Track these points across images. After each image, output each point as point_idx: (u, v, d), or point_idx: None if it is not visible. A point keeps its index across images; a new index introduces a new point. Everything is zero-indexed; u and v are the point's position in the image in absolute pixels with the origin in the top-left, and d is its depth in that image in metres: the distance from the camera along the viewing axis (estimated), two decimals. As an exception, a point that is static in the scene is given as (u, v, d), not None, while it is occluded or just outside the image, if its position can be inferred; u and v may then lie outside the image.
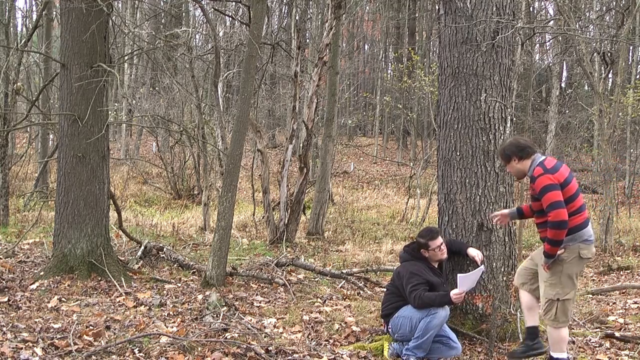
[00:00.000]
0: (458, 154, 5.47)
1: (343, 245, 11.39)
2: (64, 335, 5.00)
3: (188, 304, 6.32)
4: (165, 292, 6.84)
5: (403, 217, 15.66)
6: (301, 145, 12.98)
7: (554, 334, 4.42)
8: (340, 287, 7.71)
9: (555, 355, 4.43)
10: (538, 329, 4.65)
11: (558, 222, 4.14)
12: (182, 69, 16.95)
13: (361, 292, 7.51)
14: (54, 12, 14.97)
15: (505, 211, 4.89)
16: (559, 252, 4.30)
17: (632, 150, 22.44)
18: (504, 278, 5.39)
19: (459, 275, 4.82)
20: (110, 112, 13.65)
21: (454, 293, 4.72)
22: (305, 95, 15.33)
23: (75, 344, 4.76)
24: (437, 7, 7.65)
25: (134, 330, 5.31)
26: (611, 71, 14.19)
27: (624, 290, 7.87)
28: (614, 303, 7.16)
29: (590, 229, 4.38)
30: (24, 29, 24.07)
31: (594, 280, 8.99)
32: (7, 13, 15.75)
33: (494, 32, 5.45)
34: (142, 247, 8.29)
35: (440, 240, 5.06)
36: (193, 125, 16.16)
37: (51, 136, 17.29)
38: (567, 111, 23.48)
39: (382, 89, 30.15)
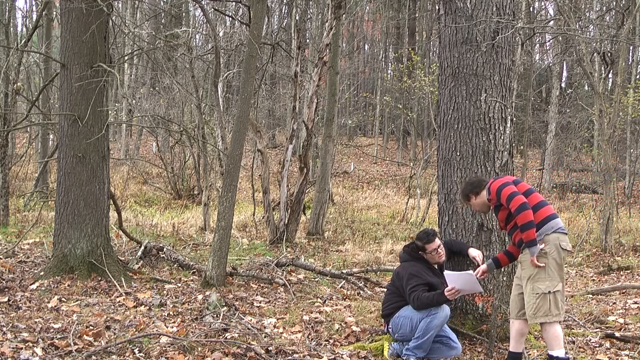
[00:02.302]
0: (458, 154, 5.48)
1: (343, 245, 11.39)
2: (64, 335, 5.00)
3: (188, 304, 6.32)
4: (165, 292, 6.84)
5: (403, 217, 15.66)
6: (301, 145, 12.99)
7: (550, 332, 4.47)
8: (340, 287, 7.71)
9: (554, 353, 4.45)
10: (522, 356, 4.77)
11: (525, 222, 4.42)
12: (182, 69, 16.94)
13: (361, 292, 7.51)
14: (54, 12, 14.96)
15: (483, 267, 4.87)
16: (540, 247, 4.45)
17: (632, 150, 22.45)
18: (504, 278, 5.39)
19: (445, 272, 4.84)
20: (110, 112, 13.63)
21: (446, 290, 4.71)
22: (305, 95, 15.35)
23: (75, 344, 4.76)
24: (437, 7, 7.65)
25: (134, 330, 5.31)
26: (611, 71, 14.19)
27: (624, 290, 7.87)
28: (614, 303, 7.16)
29: (560, 221, 4.61)
30: (24, 29, 24.08)
31: (594, 280, 8.99)
32: (7, 13, 15.76)
33: (494, 32, 5.46)
34: (142, 247, 8.29)
35: (437, 243, 5.05)
36: (193, 125, 16.16)
37: (51, 136, 17.29)
38: (567, 111, 23.49)
39: (382, 89, 30.15)
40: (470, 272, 4.81)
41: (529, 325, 4.76)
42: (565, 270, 5.07)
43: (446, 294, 4.71)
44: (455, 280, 4.71)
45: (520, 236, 4.53)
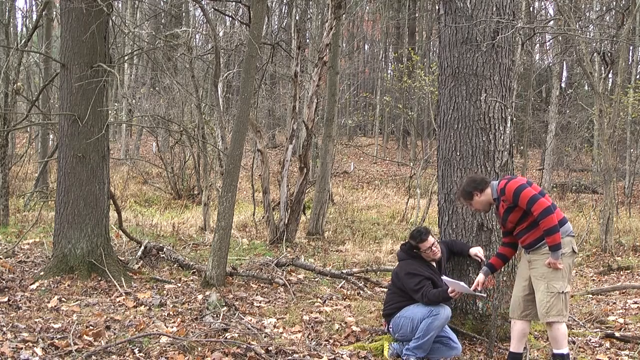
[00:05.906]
0: (458, 154, 5.48)
1: (343, 245, 11.38)
2: (64, 335, 5.00)
3: (188, 304, 6.32)
4: (165, 292, 6.84)
5: (403, 217, 15.65)
6: (301, 145, 12.99)
7: (557, 331, 4.49)
8: (340, 287, 7.71)
9: (559, 351, 4.50)
10: (522, 356, 4.78)
11: (551, 227, 4.40)
12: (182, 69, 16.94)
13: (361, 292, 7.51)
14: (54, 12, 14.96)
15: (480, 278, 4.85)
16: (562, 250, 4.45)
17: (632, 150, 22.44)
18: (504, 278, 5.39)
19: (443, 277, 4.87)
20: (110, 112, 13.64)
21: (449, 291, 4.77)
22: (305, 95, 15.35)
23: (75, 344, 4.76)
24: (437, 7, 7.65)
25: (134, 330, 5.31)
26: (611, 71, 14.19)
27: (624, 290, 7.87)
28: (614, 303, 7.16)
29: (570, 224, 4.62)
30: (24, 29, 24.10)
31: (594, 280, 8.99)
32: (7, 13, 15.75)
33: (494, 32, 5.45)
34: (142, 247, 8.29)
35: (430, 241, 5.04)
36: (193, 125, 16.15)
37: (51, 136, 17.29)
38: (567, 111, 23.48)
39: (382, 89, 30.14)
40: (463, 284, 4.82)
41: (530, 325, 4.77)
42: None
43: (449, 292, 4.76)
44: (452, 284, 4.77)
45: (533, 238, 4.52)
